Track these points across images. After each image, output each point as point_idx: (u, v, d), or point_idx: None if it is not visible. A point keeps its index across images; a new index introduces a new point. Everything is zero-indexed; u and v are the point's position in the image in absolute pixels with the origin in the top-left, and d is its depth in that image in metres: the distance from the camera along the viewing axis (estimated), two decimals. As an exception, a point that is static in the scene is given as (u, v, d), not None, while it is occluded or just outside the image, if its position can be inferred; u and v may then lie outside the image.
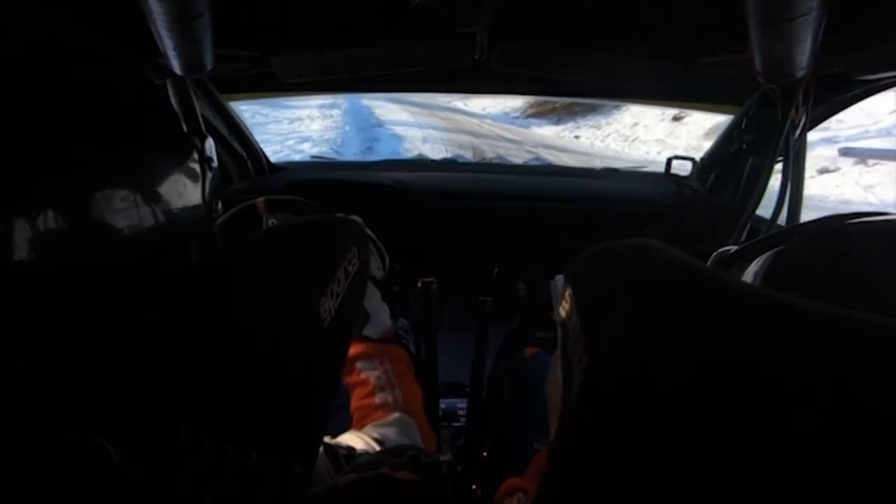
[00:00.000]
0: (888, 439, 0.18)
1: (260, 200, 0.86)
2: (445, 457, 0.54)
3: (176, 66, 0.83)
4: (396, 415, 0.66)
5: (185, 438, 0.23)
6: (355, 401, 0.70)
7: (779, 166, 0.90)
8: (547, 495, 0.32)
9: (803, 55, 0.67)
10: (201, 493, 0.23)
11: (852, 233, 0.36)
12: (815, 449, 0.19)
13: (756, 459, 0.19)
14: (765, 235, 0.48)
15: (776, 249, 0.41)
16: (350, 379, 0.73)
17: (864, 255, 0.34)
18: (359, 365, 0.73)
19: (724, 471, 0.20)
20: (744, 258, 0.43)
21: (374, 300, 0.79)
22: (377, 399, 0.69)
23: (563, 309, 0.37)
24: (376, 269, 0.77)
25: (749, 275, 0.41)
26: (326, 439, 0.60)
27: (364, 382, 0.71)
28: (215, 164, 0.42)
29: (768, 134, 0.91)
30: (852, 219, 0.39)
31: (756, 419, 0.20)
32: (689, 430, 0.22)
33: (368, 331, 0.77)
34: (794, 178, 0.90)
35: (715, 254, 0.46)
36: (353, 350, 0.74)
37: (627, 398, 0.25)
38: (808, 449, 0.19)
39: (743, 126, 1.04)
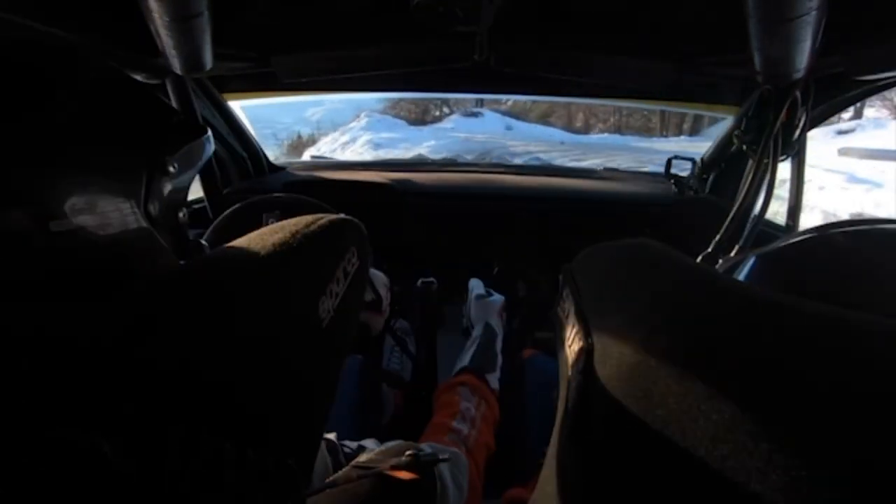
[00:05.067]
0: (883, 433, 0.18)
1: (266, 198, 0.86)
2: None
3: (175, 66, 0.83)
4: (456, 449, 0.64)
5: (183, 437, 0.23)
6: (436, 418, 0.71)
7: (779, 166, 0.90)
8: (545, 495, 0.32)
9: (802, 55, 0.67)
10: (199, 493, 0.23)
11: (841, 241, 0.36)
12: (814, 448, 0.19)
13: (754, 457, 0.19)
14: (748, 234, 0.47)
15: (762, 254, 0.40)
16: (445, 398, 0.74)
17: (853, 263, 0.34)
18: (461, 390, 0.75)
19: (723, 471, 0.20)
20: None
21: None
22: (454, 423, 0.69)
23: (562, 309, 0.37)
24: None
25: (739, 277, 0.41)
26: (331, 437, 0.60)
27: (453, 404, 0.72)
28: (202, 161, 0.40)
29: (768, 134, 0.91)
30: (843, 226, 0.39)
31: (754, 417, 0.20)
32: (688, 430, 0.22)
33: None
34: (794, 178, 0.90)
35: (707, 252, 0.45)
36: (464, 378, 0.77)
37: (625, 398, 0.25)
38: (809, 448, 0.19)
39: (743, 126, 1.04)
